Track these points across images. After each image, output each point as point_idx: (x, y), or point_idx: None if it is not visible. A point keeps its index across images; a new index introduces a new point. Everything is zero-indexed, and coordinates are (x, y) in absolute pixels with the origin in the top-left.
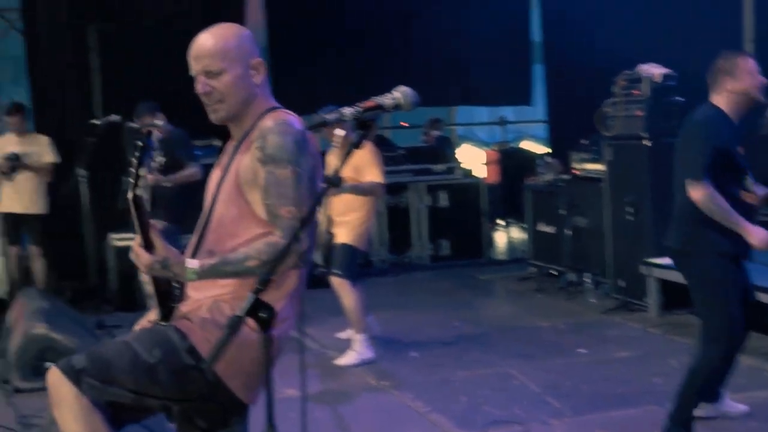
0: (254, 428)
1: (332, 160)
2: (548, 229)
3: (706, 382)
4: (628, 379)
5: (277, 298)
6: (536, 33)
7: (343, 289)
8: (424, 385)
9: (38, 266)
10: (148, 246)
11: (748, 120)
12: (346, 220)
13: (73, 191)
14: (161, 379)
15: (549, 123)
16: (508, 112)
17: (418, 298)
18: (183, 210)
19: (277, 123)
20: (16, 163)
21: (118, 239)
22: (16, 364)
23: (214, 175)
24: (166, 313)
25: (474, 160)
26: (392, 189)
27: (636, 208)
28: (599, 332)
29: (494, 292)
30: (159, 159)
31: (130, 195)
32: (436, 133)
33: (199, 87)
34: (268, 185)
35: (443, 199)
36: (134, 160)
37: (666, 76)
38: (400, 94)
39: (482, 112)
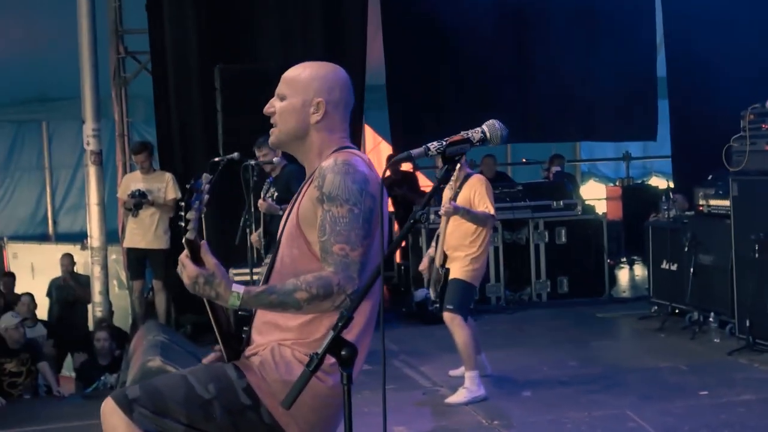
0: None
1: (446, 193)
2: (671, 266)
3: None
4: (752, 425)
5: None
6: (661, 68)
7: (455, 325)
8: (535, 426)
9: (160, 300)
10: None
11: None
12: (460, 255)
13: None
14: (215, 416)
15: (673, 158)
16: (634, 147)
17: (534, 335)
18: None
19: (338, 163)
20: (140, 200)
21: (236, 274)
22: None
23: (285, 216)
24: (232, 355)
25: (598, 196)
26: (510, 225)
27: (762, 246)
28: (723, 374)
29: (613, 331)
30: (272, 192)
31: (183, 240)
32: (555, 168)
33: (266, 106)
34: (323, 223)
35: (562, 236)
36: (182, 204)
37: None
38: (487, 128)
39: (608, 148)
